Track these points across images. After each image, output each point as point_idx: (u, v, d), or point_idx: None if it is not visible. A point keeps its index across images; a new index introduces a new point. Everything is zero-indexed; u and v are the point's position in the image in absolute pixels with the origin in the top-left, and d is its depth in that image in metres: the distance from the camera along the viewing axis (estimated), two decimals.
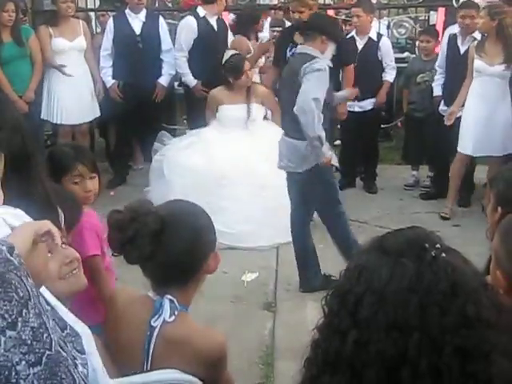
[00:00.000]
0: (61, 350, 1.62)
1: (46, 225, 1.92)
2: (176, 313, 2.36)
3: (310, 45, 5.85)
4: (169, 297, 2.37)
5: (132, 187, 8.50)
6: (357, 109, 8.45)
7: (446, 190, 8.03)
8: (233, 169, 7.18)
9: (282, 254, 6.84)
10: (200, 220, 2.46)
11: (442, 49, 8.28)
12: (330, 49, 5.88)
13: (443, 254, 1.40)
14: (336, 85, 7.02)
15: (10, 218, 1.92)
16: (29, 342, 1.52)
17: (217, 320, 5.16)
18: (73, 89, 8.57)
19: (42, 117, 8.59)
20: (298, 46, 5.99)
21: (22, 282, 1.55)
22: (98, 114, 8.83)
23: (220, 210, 6.62)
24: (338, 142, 9.05)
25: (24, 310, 1.52)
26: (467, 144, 7.62)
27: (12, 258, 1.57)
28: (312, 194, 5.95)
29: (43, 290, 1.96)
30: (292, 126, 5.74)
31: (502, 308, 1.42)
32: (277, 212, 6.98)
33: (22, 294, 1.53)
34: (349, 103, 8.13)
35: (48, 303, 1.77)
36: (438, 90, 8.26)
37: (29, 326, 1.53)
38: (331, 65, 5.87)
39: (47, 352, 1.56)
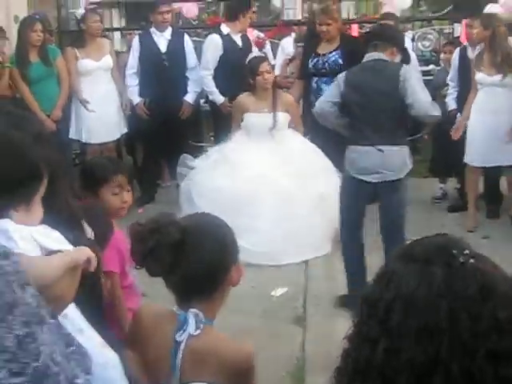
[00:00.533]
0: (51, 364, 1.56)
1: (86, 253, 1.94)
2: (201, 326, 2.36)
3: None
4: (193, 310, 2.36)
5: (160, 205, 8.52)
6: None
7: None
8: (258, 187, 7.14)
9: (310, 269, 6.82)
10: (221, 232, 2.46)
11: (453, 63, 8.27)
12: (397, 60, 5.90)
13: (472, 260, 1.39)
14: None
15: (38, 235, 1.93)
16: (12, 349, 1.48)
17: (246, 335, 5.13)
18: (100, 108, 8.65)
19: (70, 136, 8.68)
20: (371, 54, 5.89)
21: (9, 288, 1.51)
22: (124, 130, 8.89)
23: (248, 230, 6.65)
24: None
25: (8, 317, 1.49)
26: (474, 156, 7.68)
27: (2, 263, 1.55)
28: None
29: (73, 309, 1.97)
30: (388, 132, 5.70)
31: None
32: (304, 228, 6.99)
33: (6, 300, 1.50)
34: None
35: (54, 317, 1.73)
36: (452, 104, 8.24)
37: (13, 334, 1.49)
38: None
39: (33, 363, 1.51)
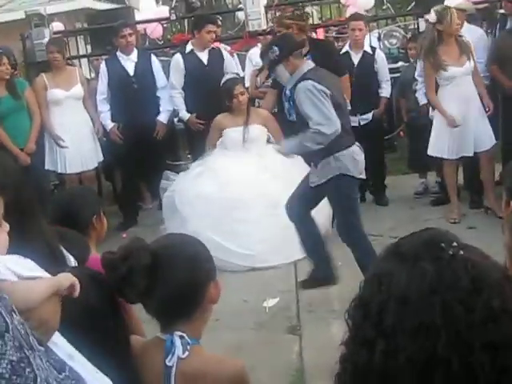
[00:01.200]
0: None
1: (69, 279, 1.92)
2: (188, 347, 2.33)
3: None
4: (178, 333, 2.33)
5: (143, 227, 8.49)
6: (362, 123, 8.42)
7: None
8: (244, 191, 7.25)
9: (300, 275, 6.80)
10: (193, 250, 2.42)
11: (420, 58, 8.26)
12: None
13: (461, 252, 1.38)
14: None
15: (12, 264, 1.92)
16: (7, 375, 1.45)
17: (242, 349, 5.10)
18: (74, 137, 8.60)
19: (46, 167, 8.63)
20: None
21: None
22: (101, 158, 8.85)
23: (237, 233, 6.89)
24: None
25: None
26: (452, 149, 7.75)
27: None
28: None
29: (59, 337, 1.95)
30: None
31: None
32: (292, 229, 7.02)
33: None
34: (351, 118, 8.11)
35: (41, 344, 1.70)
36: (422, 99, 8.28)
37: (6, 359, 1.46)
38: None
39: None
